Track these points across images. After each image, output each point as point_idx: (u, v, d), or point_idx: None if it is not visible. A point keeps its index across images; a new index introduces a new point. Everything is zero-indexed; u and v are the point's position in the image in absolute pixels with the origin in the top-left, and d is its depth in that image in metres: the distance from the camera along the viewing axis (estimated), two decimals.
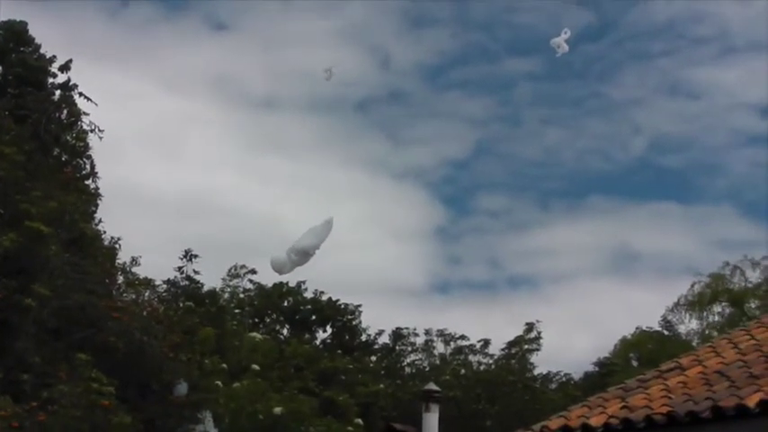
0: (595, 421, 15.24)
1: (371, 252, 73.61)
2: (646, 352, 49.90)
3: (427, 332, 58.09)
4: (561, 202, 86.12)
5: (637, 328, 53.22)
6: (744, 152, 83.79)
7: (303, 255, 16.15)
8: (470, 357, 57.31)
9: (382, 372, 55.17)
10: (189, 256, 42.06)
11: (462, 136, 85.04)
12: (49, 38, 40.61)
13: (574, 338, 74.98)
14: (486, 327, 71.47)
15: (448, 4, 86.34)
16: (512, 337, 55.14)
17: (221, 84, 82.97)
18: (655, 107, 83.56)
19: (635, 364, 49.19)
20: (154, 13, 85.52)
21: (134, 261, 37.42)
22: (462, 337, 57.40)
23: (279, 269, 16.49)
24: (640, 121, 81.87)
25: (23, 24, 36.46)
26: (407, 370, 57.59)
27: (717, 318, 49.66)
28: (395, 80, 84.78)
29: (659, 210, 78.50)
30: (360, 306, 56.53)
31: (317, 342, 55.74)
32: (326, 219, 16.36)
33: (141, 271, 38.02)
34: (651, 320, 52.78)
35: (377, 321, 59.82)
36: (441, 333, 58.15)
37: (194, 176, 73.11)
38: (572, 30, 16.68)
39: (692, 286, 49.60)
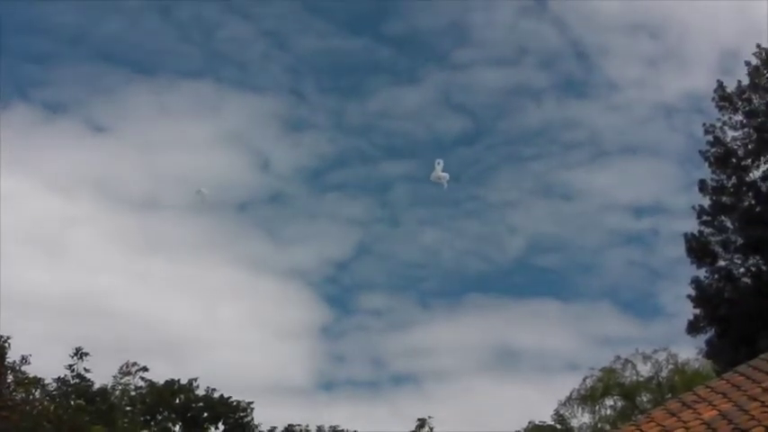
0: None
1: (257, 350, 73.41)
2: None
3: (319, 429, 57.89)
4: (441, 301, 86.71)
5: (529, 423, 53.37)
6: (619, 251, 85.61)
7: None
8: None
9: None
10: (79, 353, 41.40)
11: (343, 236, 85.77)
12: None
13: None
14: (374, 424, 71.31)
15: (324, 110, 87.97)
16: None
17: (102, 185, 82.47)
18: (530, 208, 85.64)
19: None
20: (33, 116, 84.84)
21: (24, 360, 36.66)
22: None
23: None
24: (517, 222, 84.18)
25: None
26: None
27: (609, 411, 49.93)
28: (275, 182, 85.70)
29: (539, 307, 79.48)
30: (252, 403, 56.38)
31: None
32: None
33: (31, 370, 37.24)
34: (541, 415, 53.10)
35: (268, 419, 59.56)
36: (333, 429, 57.94)
37: (78, 277, 72.35)
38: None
39: (584, 380, 49.86)
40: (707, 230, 40.39)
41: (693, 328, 40.31)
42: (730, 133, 40.94)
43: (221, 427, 56.25)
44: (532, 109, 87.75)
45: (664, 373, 49.12)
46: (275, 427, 57.10)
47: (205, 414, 55.78)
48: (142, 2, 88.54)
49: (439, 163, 17.21)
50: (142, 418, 52.48)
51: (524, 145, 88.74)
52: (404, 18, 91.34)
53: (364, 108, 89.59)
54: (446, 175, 16.98)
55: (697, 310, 40.05)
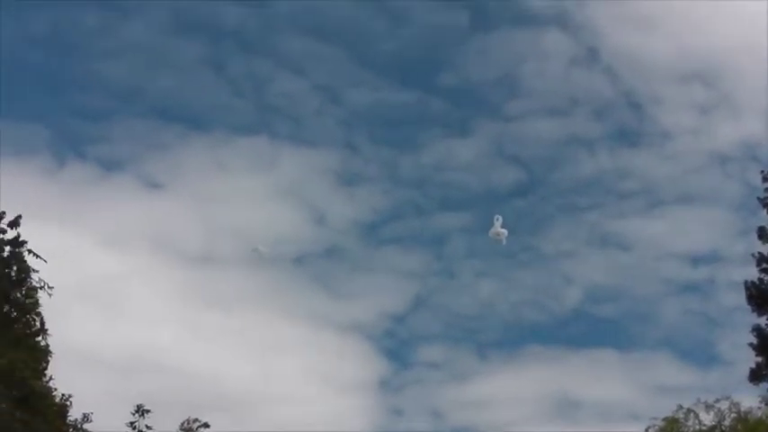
0: None
1: (316, 405, 73.36)
2: None
3: None
4: (499, 352, 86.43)
5: None
6: (676, 299, 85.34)
7: None
8: None
9: None
10: (141, 410, 41.35)
11: (400, 289, 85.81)
12: None
13: None
14: None
15: (378, 163, 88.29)
16: None
17: (158, 240, 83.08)
18: (586, 259, 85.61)
19: None
20: (89, 173, 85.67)
21: (86, 418, 36.75)
22: None
23: None
24: (573, 272, 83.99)
25: None
26: None
27: None
28: (331, 236, 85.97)
29: (597, 357, 79.80)
30: None
31: None
32: None
33: (93, 428, 37.32)
34: None
35: None
36: None
37: (137, 332, 72.62)
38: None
39: (647, 430, 49.41)
40: (767, 278, 40.02)
41: (756, 376, 39.91)
42: None
43: None
44: (586, 159, 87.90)
45: (727, 422, 48.60)
46: None
47: None
48: (195, 58, 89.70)
49: (497, 219, 17.24)
50: None
51: (579, 195, 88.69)
52: (456, 70, 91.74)
53: (418, 160, 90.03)
54: (505, 231, 17.03)
55: (759, 358, 39.64)
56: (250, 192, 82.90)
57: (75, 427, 35.90)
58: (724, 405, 48.76)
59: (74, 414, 35.77)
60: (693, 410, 49.13)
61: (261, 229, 78.21)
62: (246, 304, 75.82)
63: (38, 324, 35.45)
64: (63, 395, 34.81)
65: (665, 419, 49.30)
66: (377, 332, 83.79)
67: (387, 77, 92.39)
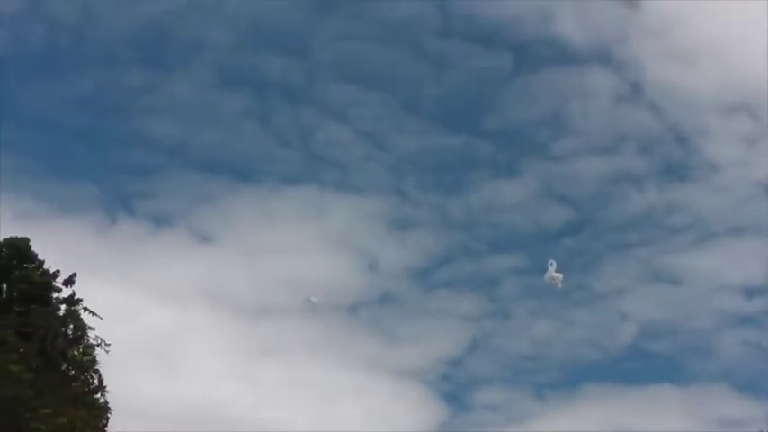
0: None
1: None
2: None
3: None
4: (557, 392, 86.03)
5: None
6: (732, 332, 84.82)
7: None
8: None
9: None
10: None
11: (455, 333, 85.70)
12: (48, 253, 41.11)
13: None
14: None
15: (427, 207, 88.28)
16: None
17: (211, 293, 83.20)
18: (639, 294, 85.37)
19: None
20: (140, 229, 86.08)
21: None
22: None
23: None
24: (626, 308, 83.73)
25: (25, 241, 36.41)
26: None
27: None
28: (384, 282, 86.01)
29: (655, 393, 79.49)
30: None
31: None
32: None
33: None
34: None
35: None
36: None
37: (196, 386, 72.81)
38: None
39: None
40: None
41: None
42: None
43: None
44: (635, 195, 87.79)
45: None
46: None
47: None
48: (240, 111, 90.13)
49: (552, 264, 17.14)
50: None
51: (629, 231, 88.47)
52: (501, 112, 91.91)
53: (467, 203, 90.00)
54: (560, 275, 16.96)
55: None
56: (301, 241, 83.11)
57: None
58: None
59: None
60: None
61: (313, 279, 78.31)
62: (302, 353, 75.87)
63: (96, 381, 35.50)
64: None
65: None
66: (434, 376, 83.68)
67: (432, 122, 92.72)
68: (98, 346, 35.42)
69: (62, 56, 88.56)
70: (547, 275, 17.01)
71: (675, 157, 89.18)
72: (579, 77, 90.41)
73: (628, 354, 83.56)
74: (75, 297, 35.85)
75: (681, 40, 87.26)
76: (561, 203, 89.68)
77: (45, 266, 36.43)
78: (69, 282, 35.87)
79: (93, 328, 35.46)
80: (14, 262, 36.15)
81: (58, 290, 35.78)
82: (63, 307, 35.76)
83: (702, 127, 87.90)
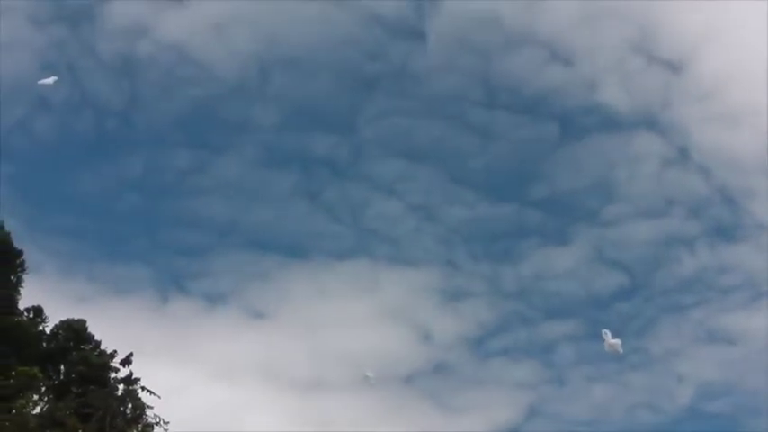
0: None
1: None
2: None
3: None
4: None
5: None
6: None
7: None
8: None
9: None
10: None
11: (511, 400, 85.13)
12: (104, 334, 41.64)
13: None
14: None
15: (479, 277, 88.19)
16: None
17: (267, 369, 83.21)
18: (695, 356, 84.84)
19: None
20: (194, 307, 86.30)
21: None
22: None
23: None
24: (683, 370, 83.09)
25: (82, 322, 36.79)
26: None
27: None
28: (438, 353, 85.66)
29: None
30: None
31: None
32: None
33: None
34: None
35: None
36: None
37: None
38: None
39: None
40: None
41: None
42: None
43: None
44: (686, 257, 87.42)
45: None
46: None
47: None
48: (289, 188, 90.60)
49: (606, 333, 17.13)
50: None
51: (682, 293, 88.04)
52: (548, 181, 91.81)
53: (519, 272, 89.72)
54: (618, 341, 16.94)
55: None
56: (354, 315, 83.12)
57: None
58: None
59: None
60: None
61: (368, 351, 78.25)
62: (359, 426, 75.46)
63: None
64: None
65: None
66: None
67: (481, 193, 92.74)
68: (157, 424, 35.59)
69: (111, 140, 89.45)
70: (606, 345, 16.99)
71: (724, 218, 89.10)
72: (626, 143, 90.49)
73: (686, 415, 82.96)
74: (133, 377, 36.07)
75: (724, 103, 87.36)
76: (613, 268, 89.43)
77: (102, 347, 36.78)
78: (126, 361, 36.15)
79: (152, 407, 35.69)
80: (71, 344, 36.51)
81: (116, 370, 36.06)
82: (121, 387, 36.00)
83: (749, 187, 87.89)
